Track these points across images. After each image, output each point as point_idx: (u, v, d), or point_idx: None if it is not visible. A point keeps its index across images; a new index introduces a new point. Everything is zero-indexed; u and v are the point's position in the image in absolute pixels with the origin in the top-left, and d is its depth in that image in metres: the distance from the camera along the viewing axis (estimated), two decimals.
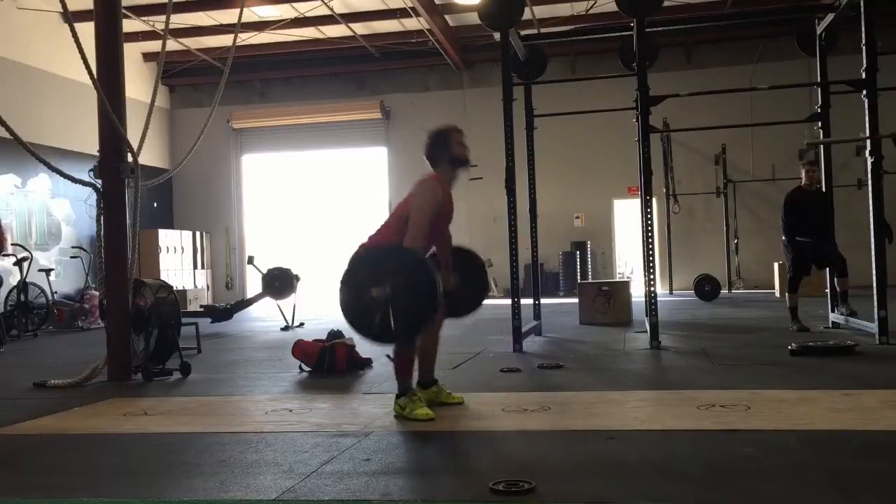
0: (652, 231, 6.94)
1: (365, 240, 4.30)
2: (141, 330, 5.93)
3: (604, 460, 3.16)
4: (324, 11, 14.32)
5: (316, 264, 16.32)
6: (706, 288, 12.57)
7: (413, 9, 13.67)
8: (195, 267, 16.98)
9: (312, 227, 17.76)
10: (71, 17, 5.88)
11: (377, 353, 6.27)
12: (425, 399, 4.22)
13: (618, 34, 8.58)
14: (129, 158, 6.05)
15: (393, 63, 16.91)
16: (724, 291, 13.50)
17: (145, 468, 3.33)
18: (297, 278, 10.11)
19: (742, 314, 10.10)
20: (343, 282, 3.99)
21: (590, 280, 15.02)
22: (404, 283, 3.84)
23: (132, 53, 15.71)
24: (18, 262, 10.92)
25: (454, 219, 4.50)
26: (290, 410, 4.45)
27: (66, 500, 2.85)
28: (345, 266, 4.09)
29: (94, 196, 6.07)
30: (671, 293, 14.73)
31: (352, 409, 4.49)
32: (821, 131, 7.81)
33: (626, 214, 16.35)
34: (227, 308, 10.13)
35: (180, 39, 15.47)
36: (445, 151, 4.38)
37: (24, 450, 3.76)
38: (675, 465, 3.05)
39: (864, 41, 6.55)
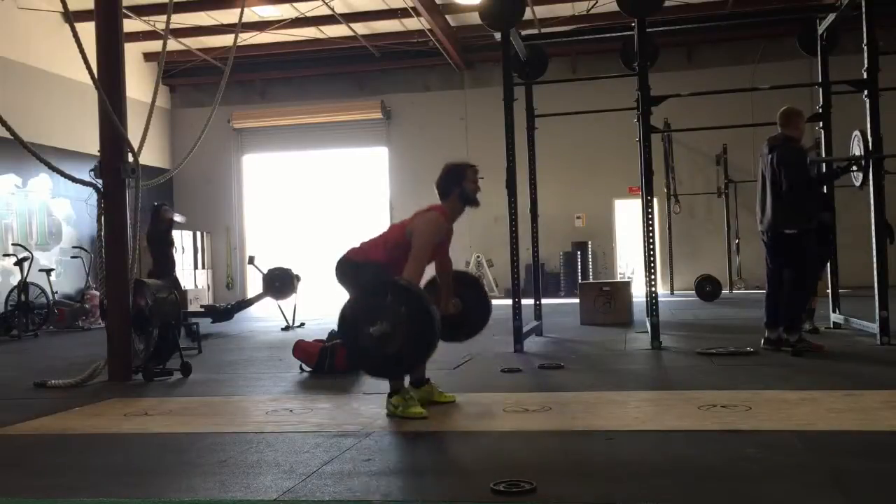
0: (653, 231, 6.94)
1: (356, 245, 4.38)
2: (141, 330, 5.93)
3: (605, 461, 3.16)
4: (324, 11, 14.32)
5: (316, 264, 16.32)
6: (707, 288, 12.57)
7: (414, 8, 13.67)
8: (196, 267, 16.97)
9: (313, 227, 17.76)
10: (71, 17, 5.88)
11: None
12: (417, 398, 4.25)
13: (619, 34, 8.58)
14: (130, 158, 6.05)
15: (393, 63, 16.90)
16: (725, 292, 13.49)
17: (145, 468, 3.33)
18: (297, 278, 10.11)
19: (743, 314, 10.09)
20: (342, 316, 3.95)
21: (591, 280, 15.01)
22: (406, 323, 3.76)
23: (133, 53, 15.71)
24: (19, 262, 10.92)
25: (455, 219, 4.53)
26: (291, 411, 4.44)
27: (66, 500, 2.85)
28: (334, 270, 4.30)
29: (94, 196, 6.07)
30: (672, 293, 14.73)
31: (352, 409, 4.48)
32: (822, 131, 7.80)
33: (627, 214, 16.35)
34: (227, 308, 10.13)
35: (181, 39, 15.47)
36: (457, 186, 4.39)
37: (24, 450, 3.76)
38: (676, 466, 3.04)
39: (865, 41, 6.55)
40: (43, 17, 13.33)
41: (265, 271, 10.18)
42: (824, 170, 7.14)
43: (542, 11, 14.31)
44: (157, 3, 13.20)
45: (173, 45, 15.30)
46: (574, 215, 16.62)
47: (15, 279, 11.37)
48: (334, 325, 6.59)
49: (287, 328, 9.80)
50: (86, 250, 13.47)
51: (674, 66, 15.10)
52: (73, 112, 13.62)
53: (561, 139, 14.47)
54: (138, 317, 5.92)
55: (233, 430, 4.02)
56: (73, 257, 13.55)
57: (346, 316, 3.94)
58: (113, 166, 5.98)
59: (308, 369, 5.95)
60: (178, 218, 9.56)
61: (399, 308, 3.79)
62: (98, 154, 6.07)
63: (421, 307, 3.79)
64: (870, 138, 6.51)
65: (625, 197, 16.21)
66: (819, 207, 6.34)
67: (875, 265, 6.54)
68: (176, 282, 8.92)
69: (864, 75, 6.56)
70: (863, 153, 6.48)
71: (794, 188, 5.93)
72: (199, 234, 17.25)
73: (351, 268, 4.31)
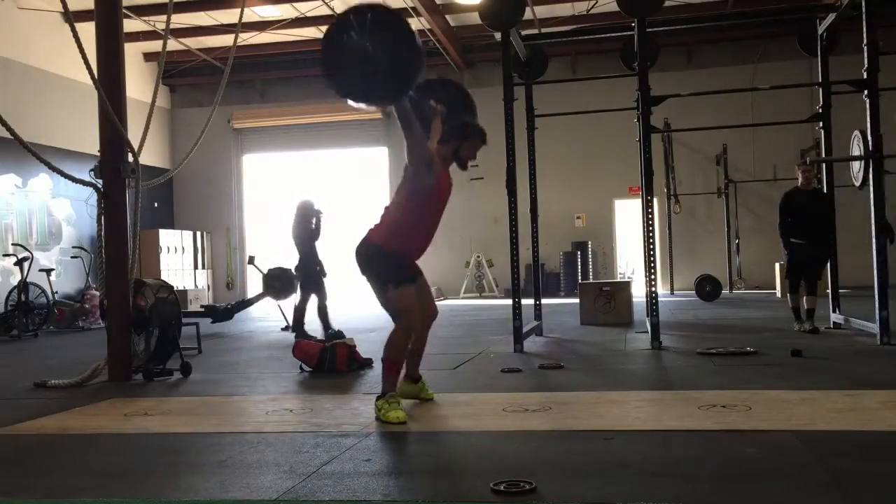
0: (653, 231, 6.94)
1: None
2: (141, 330, 5.93)
3: (605, 461, 3.15)
4: (324, 11, 14.31)
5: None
6: (707, 288, 12.57)
7: (414, 9, 13.66)
8: (196, 267, 16.97)
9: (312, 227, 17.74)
10: (71, 17, 5.89)
11: (377, 354, 6.27)
12: (411, 393, 4.38)
13: (619, 34, 8.58)
14: (130, 158, 6.05)
15: None
16: (725, 292, 13.49)
17: (145, 468, 3.33)
18: (297, 278, 10.09)
19: (743, 314, 10.09)
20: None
21: (591, 280, 15.01)
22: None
23: (133, 53, 15.70)
24: (19, 262, 10.92)
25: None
26: (291, 410, 4.44)
27: (66, 500, 2.85)
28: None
29: (94, 196, 6.06)
30: (672, 293, 14.73)
31: (352, 409, 4.48)
32: (822, 131, 7.81)
33: (627, 214, 16.35)
34: (227, 308, 10.13)
35: (181, 39, 15.47)
36: (458, 141, 4.35)
37: (24, 450, 3.75)
38: (676, 466, 3.04)
39: (865, 41, 6.55)
40: (43, 17, 13.33)
41: (265, 271, 10.18)
42: None
43: (542, 11, 14.31)
44: (157, 3, 13.20)
45: (173, 45, 15.30)
46: (574, 215, 16.62)
47: (15, 279, 11.37)
48: (334, 326, 6.63)
49: (287, 328, 9.78)
50: (86, 250, 13.47)
51: (674, 66, 15.10)
52: (73, 112, 13.61)
53: (561, 139, 14.47)
54: (138, 317, 5.92)
55: (233, 430, 4.02)
56: (73, 257, 13.56)
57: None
58: (113, 166, 5.98)
59: (308, 369, 5.95)
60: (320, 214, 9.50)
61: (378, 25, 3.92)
62: (98, 154, 6.07)
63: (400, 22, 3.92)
64: (870, 138, 6.51)
65: (625, 197, 16.21)
66: None
67: (875, 265, 6.54)
68: (319, 280, 8.94)
69: (864, 75, 6.56)
70: (863, 153, 6.47)
71: None
72: (199, 234, 17.25)
73: (363, 256, 4.33)
